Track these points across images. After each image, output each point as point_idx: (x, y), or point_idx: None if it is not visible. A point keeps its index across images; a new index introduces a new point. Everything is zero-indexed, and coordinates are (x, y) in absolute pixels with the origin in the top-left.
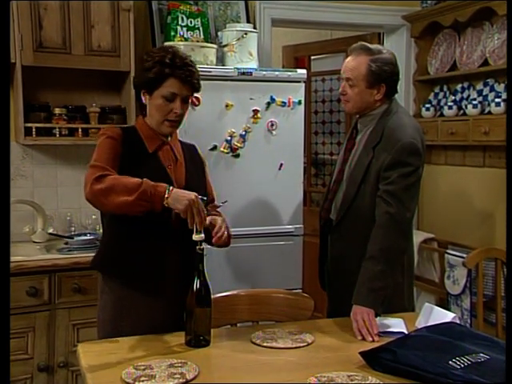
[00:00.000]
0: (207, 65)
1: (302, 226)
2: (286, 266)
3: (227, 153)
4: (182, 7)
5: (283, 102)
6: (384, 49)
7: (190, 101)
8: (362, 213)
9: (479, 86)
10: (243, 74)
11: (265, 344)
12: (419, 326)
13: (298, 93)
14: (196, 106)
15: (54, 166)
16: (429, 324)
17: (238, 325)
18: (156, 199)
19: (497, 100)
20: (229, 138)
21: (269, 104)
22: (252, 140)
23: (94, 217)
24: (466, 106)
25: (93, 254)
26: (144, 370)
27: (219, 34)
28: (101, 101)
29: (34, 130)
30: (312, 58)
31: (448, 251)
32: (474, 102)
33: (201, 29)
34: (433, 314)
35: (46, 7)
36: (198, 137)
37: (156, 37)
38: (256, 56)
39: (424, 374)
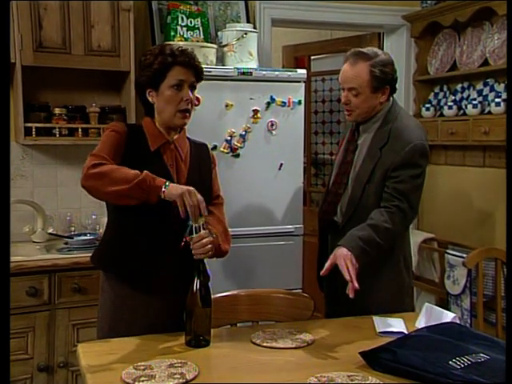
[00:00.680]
0: (207, 65)
1: (301, 225)
2: (286, 265)
3: (227, 153)
4: (181, 7)
5: (283, 102)
6: (378, 50)
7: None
8: (367, 214)
9: (479, 86)
10: (243, 73)
11: (265, 344)
12: (419, 326)
13: (298, 93)
14: (196, 105)
15: (54, 166)
16: (429, 324)
17: (238, 325)
18: (153, 190)
19: (497, 100)
20: (229, 138)
21: (269, 104)
22: (252, 140)
23: (93, 217)
24: (465, 106)
25: None
26: (144, 370)
27: (219, 33)
28: (101, 101)
29: (33, 129)
30: (312, 57)
31: (448, 251)
32: (474, 102)
33: (201, 29)
34: (433, 314)
35: (46, 7)
36: (198, 137)
37: (156, 37)
38: (256, 56)
39: (424, 374)
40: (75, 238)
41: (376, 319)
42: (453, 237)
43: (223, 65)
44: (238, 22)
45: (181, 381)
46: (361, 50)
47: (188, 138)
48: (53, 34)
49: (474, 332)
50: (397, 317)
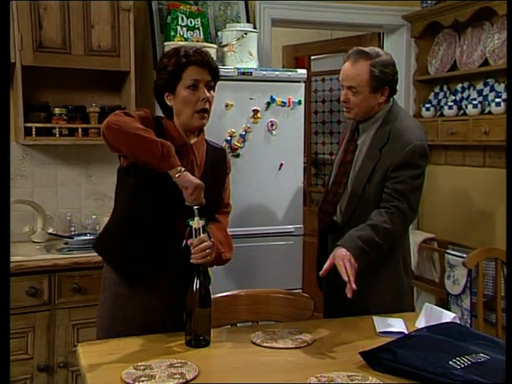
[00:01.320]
0: None
1: (301, 225)
2: (286, 265)
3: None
4: (181, 7)
5: (283, 102)
6: (380, 50)
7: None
8: (367, 214)
9: (479, 86)
10: (243, 73)
11: (265, 344)
12: (419, 326)
13: (298, 93)
14: None
15: (54, 166)
16: (429, 324)
17: (238, 325)
18: (167, 160)
19: (497, 100)
20: (229, 138)
21: (269, 104)
22: (252, 140)
23: (94, 217)
24: (466, 106)
25: (93, 254)
26: (144, 370)
27: (219, 33)
28: (101, 101)
29: (33, 129)
30: (312, 57)
31: (448, 251)
32: (474, 102)
33: (201, 29)
34: (433, 314)
35: (46, 7)
36: None
37: (156, 37)
38: (256, 56)
39: (424, 374)
40: (75, 238)
41: (376, 319)
42: (453, 237)
43: (223, 65)
44: (238, 21)
45: (181, 381)
46: (363, 49)
47: (206, 141)
48: (53, 34)
49: (474, 332)
50: (397, 317)
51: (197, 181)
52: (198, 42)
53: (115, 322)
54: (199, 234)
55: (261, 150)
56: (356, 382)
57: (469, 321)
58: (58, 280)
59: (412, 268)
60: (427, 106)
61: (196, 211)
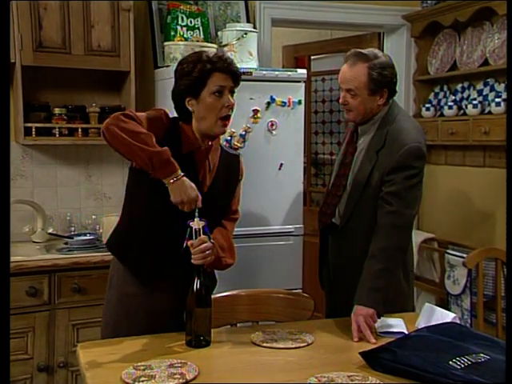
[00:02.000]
0: None
1: (302, 225)
2: (286, 265)
3: None
4: (181, 7)
5: (283, 102)
6: (379, 52)
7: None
8: (366, 216)
9: (479, 86)
10: (243, 73)
11: (265, 344)
12: (419, 326)
13: (298, 93)
14: None
15: (54, 166)
16: (429, 324)
17: (238, 325)
18: (160, 171)
19: (497, 100)
20: (229, 138)
21: (269, 104)
22: (252, 140)
23: (93, 217)
24: (466, 106)
25: (93, 254)
26: (144, 370)
27: (219, 33)
28: (101, 101)
29: (33, 129)
30: (312, 57)
31: (448, 251)
32: (474, 102)
33: (201, 28)
34: (433, 314)
35: (46, 7)
36: None
37: (156, 37)
38: (256, 56)
39: (424, 374)
40: (75, 238)
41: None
42: (453, 237)
43: None
44: (238, 21)
45: (181, 381)
46: (361, 50)
47: (221, 147)
48: (53, 34)
49: (474, 332)
50: (397, 317)
51: (181, 197)
52: (197, 41)
53: (120, 320)
54: (199, 235)
55: (261, 150)
56: (356, 382)
57: (469, 321)
58: (58, 280)
59: (413, 268)
60: (427, 105)
61: (196, 212)
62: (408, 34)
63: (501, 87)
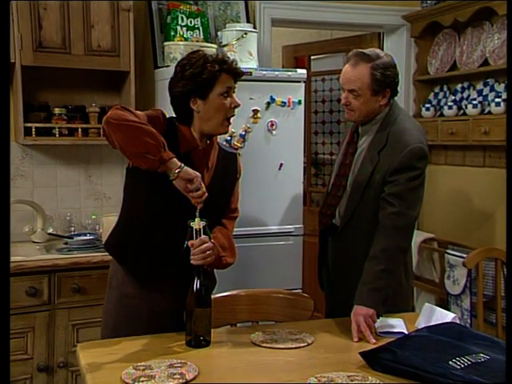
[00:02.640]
0: None
1: (301, 226)
2: (286, 265)
3: None
4: (181, 7)
5: (283, 102)
6: (381, 52)
7: None
8: (366, 217)
9: (479, 86)
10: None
11: (265, 344)
12: (419, 326)
13: (298, 93)
14: None
15: (54, 166)
16: (429, 324)
17: (238, 325)
18: (165, 153)
19: (497, 100)
20: (229, 138)
21: (269, 104)
22: (252, 140)
23: (93, 217)
24: (465, 106)
25: (93, 254)
26: (144, 370)
27: (219, 33)
28: (100, 101)
29: (33, 129)
30: (312, 57)
31: (448, 251)
32: (474, 102)
33: (201, 29)
34: (433, 314)
35: (46, 7)
36: None
37: (156, 37)
38: (256, 56)
39: (424, 374)
40: (75, 238)
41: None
42: (453, 237)
43: None
44: (238, 21)
45: (181, 381)
46: (363, 51)
47: (219, 145)
48: (53, 34)
49: (474, 332)
50: (397, 317)
51: (196, 172)
52: (197, 41)
53: (120, 320)
54: (200, 235)
55: (261, 150)
56: (356, 381)
57: (469, 321)
58: (58, 280)
59: (412, 268)
60: (427, 106)
61: (197, 212)
62: (408, 34)
63: (501, 87)
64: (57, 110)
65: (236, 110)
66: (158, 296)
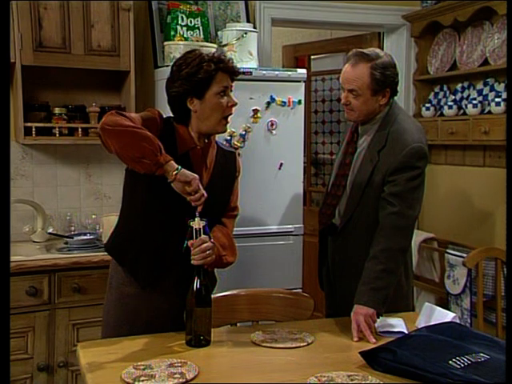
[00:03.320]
0: None
1: (301, 225)
2: (286, 265)
3: None
4: (181, 7)
5: (283, 102)
6: (381, 52)
7: None
8: (366, 217)
9: (479, 86)
10: (243, 73)
11: (265, 344)
12: (419, 326)
13: (298, 92)
14: None
15: (54, 166)
16: (429, 324)
17: (238, 325)
18: (161, 156)
19: (497, 100)
20: (229, 138)
21: (269, 104)
22: (252, 140)
23: (93, 217)
24: (466, 106)
25: (93, 254)
26: (144, 369)
27: (219, 33)
28: (101, 100)
29: (33, 129)
30: (312, 57)
31: (448, 251)
32: (474, 102)
33: (201, 28)
34: (433, 313)
35: (46, 7)
36: None
37: (156, 36)
38: (256, 55)
39: (424, 374)
40: (75, 238)
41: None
42: (453, 237)
43: None
44: (238, 21)
45: (181, 380)
46: (363, 50)
47: (217, 144)
48: (53, 34)
49: (473, 332)
50: (397, 316)
51: (194, 174)
52: (197, 41)
53: (120, 320)
54: (200, 235)
55: (261, 149)
56: (356, 381)
57: (469, 321)
58: (58, 280)
59: (412, 268)
60: (427, 105)
61: (197, 212)
62: (408, 33)
63: (501, 87)
64: (57, 110)
65: (235, 108)
66: (157, 296)
